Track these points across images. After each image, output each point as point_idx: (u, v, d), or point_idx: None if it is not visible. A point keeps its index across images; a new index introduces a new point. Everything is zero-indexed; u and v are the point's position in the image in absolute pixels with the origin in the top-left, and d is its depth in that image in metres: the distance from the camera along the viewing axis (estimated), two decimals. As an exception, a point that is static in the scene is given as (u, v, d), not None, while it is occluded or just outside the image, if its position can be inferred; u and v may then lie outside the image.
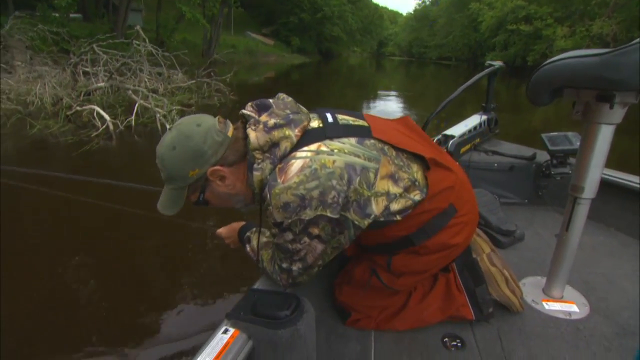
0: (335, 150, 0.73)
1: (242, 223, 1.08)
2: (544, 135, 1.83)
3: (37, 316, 1.85)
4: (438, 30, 47.07)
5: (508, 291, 1.12)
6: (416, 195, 0.82)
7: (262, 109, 0.79)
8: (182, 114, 5.52)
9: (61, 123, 4.97)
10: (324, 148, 0.73)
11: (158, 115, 4.71)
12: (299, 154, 0.73)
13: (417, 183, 0.82)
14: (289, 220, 0.72)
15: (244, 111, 0.81)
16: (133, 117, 4.77)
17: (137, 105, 4.89)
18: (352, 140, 0.76)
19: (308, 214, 0.71)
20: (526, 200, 2.00)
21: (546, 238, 1.66)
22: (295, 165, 0.71)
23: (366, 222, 0.78)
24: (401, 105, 10.24)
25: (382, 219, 0.79)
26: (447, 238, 0.90)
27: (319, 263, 0.83)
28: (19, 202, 2.99)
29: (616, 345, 1.07)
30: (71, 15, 13.19)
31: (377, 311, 1.07)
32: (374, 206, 0.77)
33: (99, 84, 5.75)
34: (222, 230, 1.13)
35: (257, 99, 0.83)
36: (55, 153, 4.27)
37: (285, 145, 0.74)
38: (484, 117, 2.23)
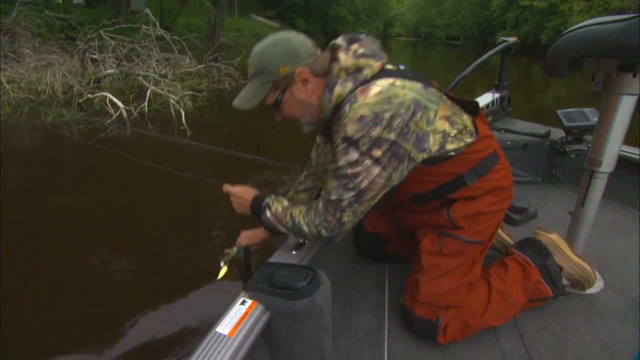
0: (407, 87, 0.81)
1: (255, 192, 1.03)
2: (559, 112, 1.79)
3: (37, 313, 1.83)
4: (446, 9, 45.67)
5: (576, 258, 1.12)
6: (467, 138, 0.90)
7: (353, 41, 0.87)
8: (194, 99, 5.55)
9: (74, 111, 5.04)
10: (398, 82, 0.81)
11: (172, 100, 4.73)
12: (378, 81, 0.81)
13: (467, 128, 0.91)
14: (360, 134, 0.78)
15: (335, 41, 0.89)
16: (146, 103, 4.80)
17: (149, 91, 4.91)
18: (419, 84, 0.84)
19: (377, 132, 0.78)
20: (539, 179, 1.98)
21: (560, 216, 1.65)
22: (375, 89, 0.80)
23: (421, 156, 0.85)
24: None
25: (436, 155, 0.86)
26: (497, 179, 0.96)
27: (370, 196, 0.84)
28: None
29: (630, 318, 1.07)
30: (74, 1, 13.09)
31: (464, 310, 0.99)
32: (430, 141, 0.84)
33: (108, 71, 5.77)
34: (233, 188, 1.05)
35: None
36: (72, 141, 4.35)
37: (367, 73, 0.83)
38: (497, 95, 2.20)
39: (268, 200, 0.98)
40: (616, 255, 1.39)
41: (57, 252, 2.25)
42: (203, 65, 7.15)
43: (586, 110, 1.78)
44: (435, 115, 0.84)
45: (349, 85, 0.83)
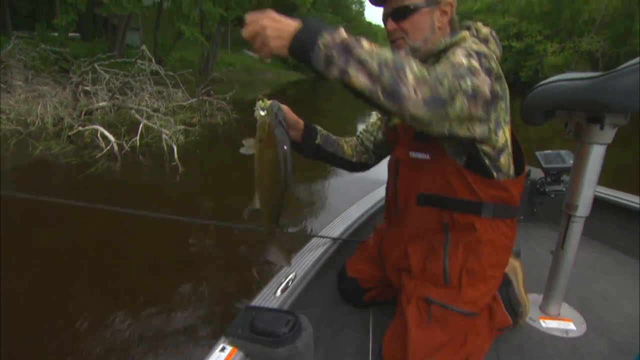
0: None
1: (294, 21, 0.70)
2: (538, 153, 1.87)
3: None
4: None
5: (523, 292, 1.13)
6: (511, 171, 0.93)
7: None
8: (186, 133, 5.60)
9: (63, 144, 5.01)
10: None
11: (164, 135, 4.77)
12: None
13: (510, 164, 0.94)
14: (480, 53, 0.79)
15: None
16: (138, 138, 4.82)
17: (141, 125, 4.95)
18: None
19: (493, 65, 0.79)
20: (522, 217, 2.01)
21: (542, 255, 1.69)
22: None
23: (492, 133, 0.83)
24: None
25: (488, 154, 0.87)
26: (506, 233, 0.96)
27: (482, 96, 0.75)
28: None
29: None
30: (70, 34, 13.38)
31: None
32: (499, 133, 0.86)
33: (100, 103, 5.81)
34: (266, 21, 0.69)
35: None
36: (59, 175, 4.30)
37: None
38: None
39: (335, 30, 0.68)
40: (597, 296, 1.42)
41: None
42: (195, 99, 7.28)
43: (562, 152, 1.88)
44: (506, 119, 0.87)
45: (472, 40, 0.86)
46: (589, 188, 1.12)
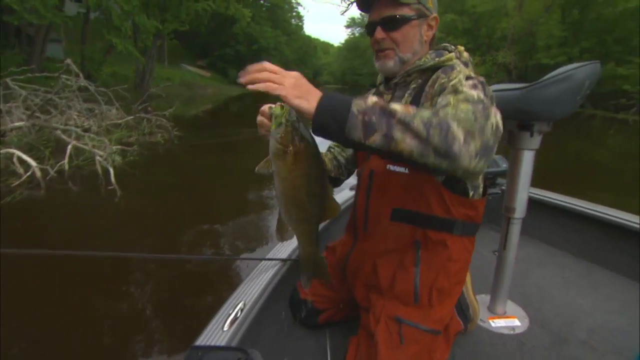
0: None
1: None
2: None
3: None
4: (369, 59, 50.15)
5: (472, 296, 1.16)
6: (481, 190, 0.96)
7: None
8: (123, 154, 5.17)
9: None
10: None
11: (98, 157, 4.34)
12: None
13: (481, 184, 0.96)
14: (468, 73, 0.81)
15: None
16: (66, 161, 4.33)
17: (69, 146, 4.46)
18: None
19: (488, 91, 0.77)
20: None
21: (486, 255, 1.79)
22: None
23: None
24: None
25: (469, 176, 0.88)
26: (468, 249, 0.98)
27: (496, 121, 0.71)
28: None
29: (554, 354, 1.18)
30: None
31: None
32: None
33: (16, 124, 5.15)
34: (291, 79, 0.64)
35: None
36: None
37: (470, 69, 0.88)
38: None
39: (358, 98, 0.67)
40: (534, 290, 1.55)
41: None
42: (132, 117, 6.80)
43: (496, 157, 2.02)
44: None
45: (457, 63, 0.88)
46: (524, 191, 1.22)
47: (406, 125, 0.60)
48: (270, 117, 0.74)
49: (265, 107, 0.78)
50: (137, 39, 15.05)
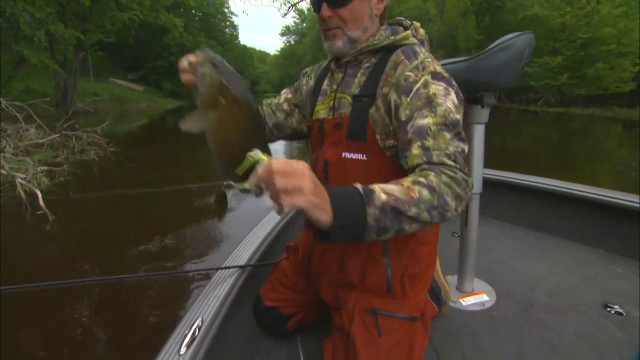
0: None
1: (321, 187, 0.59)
2: None
3: None
4: (306, 65, 50.96)
5: (442, 277, 1.15)
6: None
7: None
8: (51, 176, 4.59)
9: None
10: None
11: (19, 180, 3.80)
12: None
13: None
14: (443, 74, 0.79)
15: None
16: (-24, 188, 3.72)
17: (-20, 172, 3.86)
18: None
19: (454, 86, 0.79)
20: None
21: (445, 237, 1.84)
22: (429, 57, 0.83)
23: None
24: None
25: None
26: (436, 228, 0.97)
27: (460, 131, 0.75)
28: None
29: (523, 321, 1.23)
30: None
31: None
32: None
33: None
34: (308, 183, 0.54)
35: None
36: None
37: (425, 50, 0.87)
38: None
39: (365, 189, 0.62)
40: (496, 264, 1.63)
41: None
42: (58, 135, 6.10)
43: None
44: None
45: (415, 42, 0.85)
46: (479, 166, 1.25)
47: (414, 219, 0.64)
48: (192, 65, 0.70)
49: (185, 61, 0.72)
50: (54, 51, 13.62)
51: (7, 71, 13.15)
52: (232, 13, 43.24)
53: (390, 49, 0.85)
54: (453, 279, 1.42)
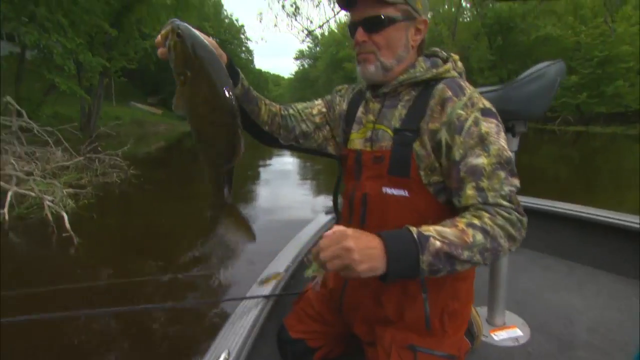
0: None
1: (374, 237, 0.65)
2: None
3: None
4: (319, 89, 52.38)
5: (475, 312, 1.09)
6: None
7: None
8: (75, 198, 4.70)
9: None
10: None
11: (47, 202, 3.89)
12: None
13: None
14: (482, 103, 0.78)
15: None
16: (6, 210, 3.82)
17: (10, 193, 3.97)
18: None
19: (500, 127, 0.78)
20: None
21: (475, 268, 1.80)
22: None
23: None
24: (292, 160, 10.74)
25: None
26: None
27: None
28: None
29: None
30: None
31: None
32: None
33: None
34: (351, 241, 0.62)
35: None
36: None
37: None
38: None
39: (420, 233, 0.65)
40: (527, 296, 1.54)
41: None
42: (82, 158, 6.29)
43: None
44: None
45: (456, 75, 0.84)
46: None
47: (467, 261, 0.67)
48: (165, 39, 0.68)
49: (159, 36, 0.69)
50: (81, 78, 14.31)
51: (37, 98, 13.87)
52: (248, 39, 44.88)
53: (430, 81, 0.83)
54: (482, 310, 1.35)
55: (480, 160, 0.73)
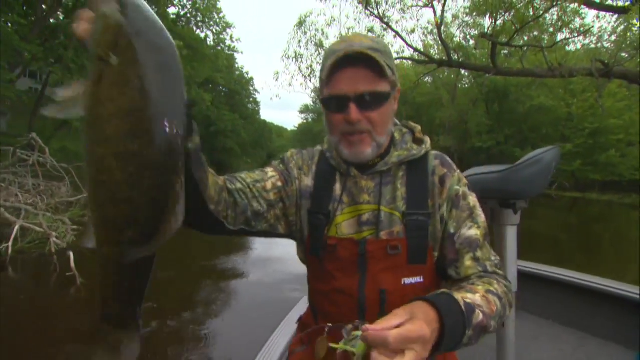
0: None
1: (429, 308, 0.55)
2: None
3: None
4: (321, 142, 53.98)
5: None
6: None
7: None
8: (79, 234, 4.58)
9: None
10: None
11: (53, 239, 3.77)
12: None
13: None
14: (464, 178, 0.81)
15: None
16: (10, 243, 3.69)
17: (16, 227, 3.86)
18: None
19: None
20: None
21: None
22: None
23: None
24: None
25: None
26: None
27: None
28: None
29: None
30: None
31: None
32: None
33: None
34: (416, 330, 0.50)
35: None
36: None
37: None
38: None
39: (464, 301, 0.59)
40: None
41: None
42: (86, 195, 6.22)
43: None
44: None
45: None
46: (513, 265, 1.27)
47: (495, 319, 0.64)
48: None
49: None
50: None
51: (49, 132, 14.19)
52: (256, 90, 47.11)
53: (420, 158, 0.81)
54: None
55: (473, 232, 0.76)
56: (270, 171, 0.84)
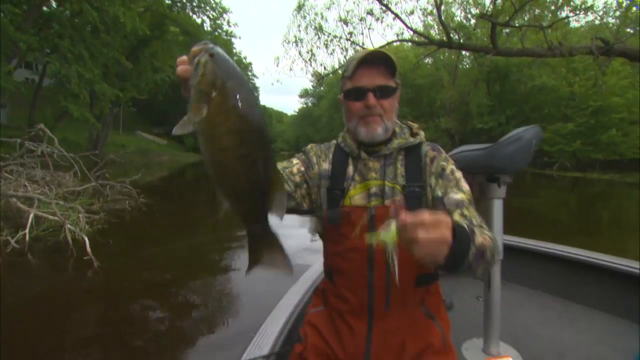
0: None
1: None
2: None
3: None
4: (322, 127, 53.69)
5: None
6: None
7: None
8: (91, 222, 4.72)
9: None
10: None
11: (69, 226, 3.91)
12: None
13: None
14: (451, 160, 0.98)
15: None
16: (27, 230, 3.83)
17: (31, 215, 4.00)
18: None
19: None
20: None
21: (470, 301, 1.90)
22: None
23: None
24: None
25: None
26: None
27: None
28: None
29: None
30: None
31: None
32: None
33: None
34: (450, 233, 0.62)
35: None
36: None
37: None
38: None
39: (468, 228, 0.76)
40: (521, 329, 1.63)
41: None
42: (93, 184, 6.34)
43: None
44: None
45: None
46: (499, 236, 1.40)
47: (487, 259, 0.79)
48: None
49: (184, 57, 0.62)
50: (93, 106, 14.75)
51: (49, 123, 14.19)
52: (255, 76, 46.54)
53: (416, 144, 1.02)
54: (478, 342, 1.46)
55: (459, 196, 0.91)
56: (294, 160, 1.07)
